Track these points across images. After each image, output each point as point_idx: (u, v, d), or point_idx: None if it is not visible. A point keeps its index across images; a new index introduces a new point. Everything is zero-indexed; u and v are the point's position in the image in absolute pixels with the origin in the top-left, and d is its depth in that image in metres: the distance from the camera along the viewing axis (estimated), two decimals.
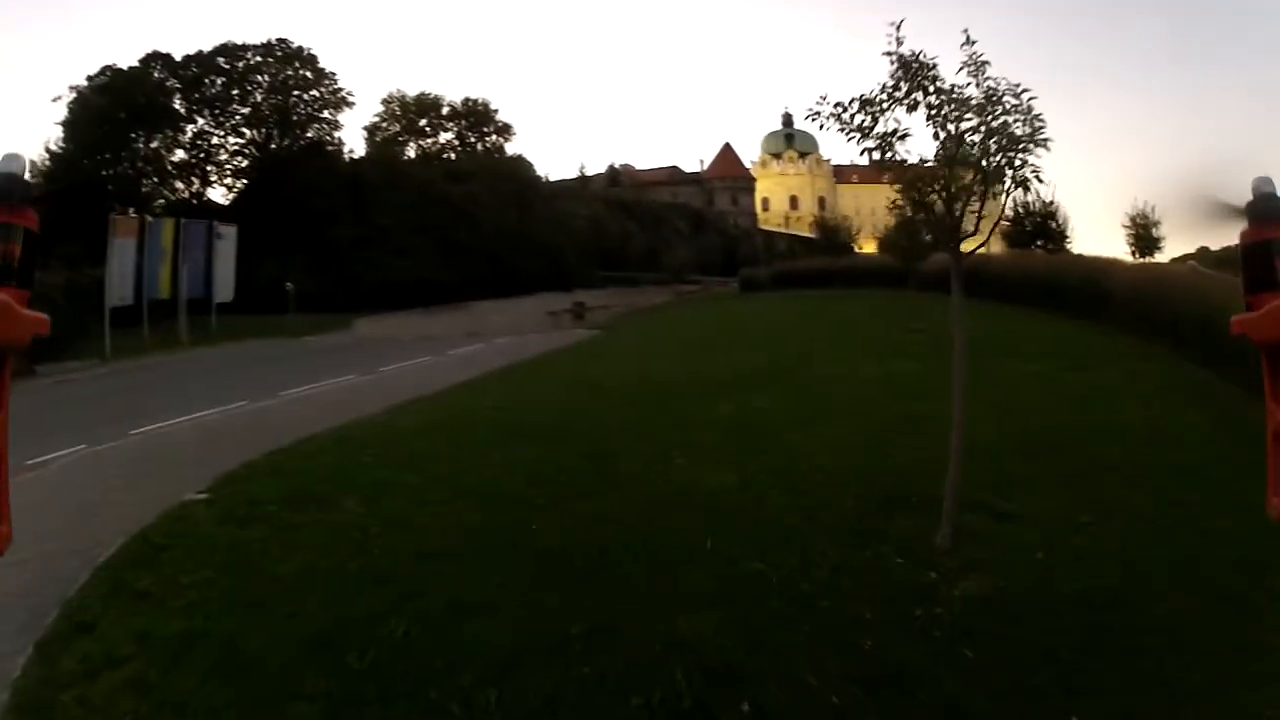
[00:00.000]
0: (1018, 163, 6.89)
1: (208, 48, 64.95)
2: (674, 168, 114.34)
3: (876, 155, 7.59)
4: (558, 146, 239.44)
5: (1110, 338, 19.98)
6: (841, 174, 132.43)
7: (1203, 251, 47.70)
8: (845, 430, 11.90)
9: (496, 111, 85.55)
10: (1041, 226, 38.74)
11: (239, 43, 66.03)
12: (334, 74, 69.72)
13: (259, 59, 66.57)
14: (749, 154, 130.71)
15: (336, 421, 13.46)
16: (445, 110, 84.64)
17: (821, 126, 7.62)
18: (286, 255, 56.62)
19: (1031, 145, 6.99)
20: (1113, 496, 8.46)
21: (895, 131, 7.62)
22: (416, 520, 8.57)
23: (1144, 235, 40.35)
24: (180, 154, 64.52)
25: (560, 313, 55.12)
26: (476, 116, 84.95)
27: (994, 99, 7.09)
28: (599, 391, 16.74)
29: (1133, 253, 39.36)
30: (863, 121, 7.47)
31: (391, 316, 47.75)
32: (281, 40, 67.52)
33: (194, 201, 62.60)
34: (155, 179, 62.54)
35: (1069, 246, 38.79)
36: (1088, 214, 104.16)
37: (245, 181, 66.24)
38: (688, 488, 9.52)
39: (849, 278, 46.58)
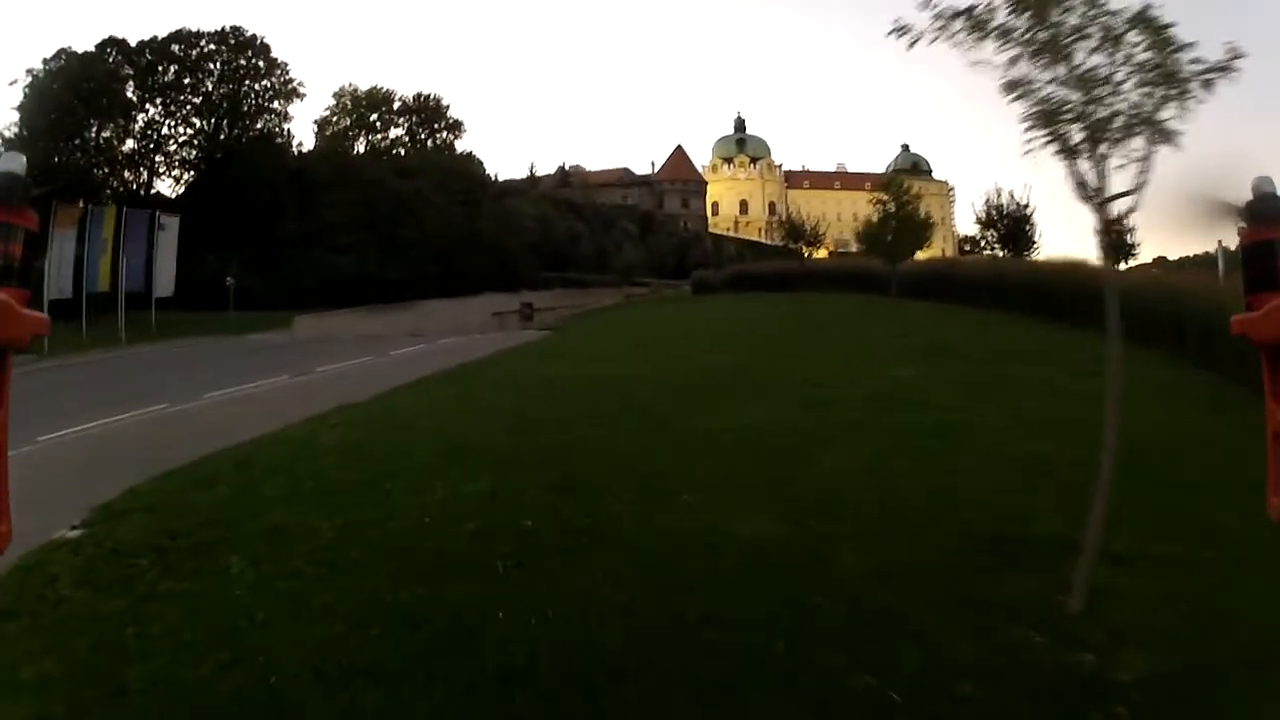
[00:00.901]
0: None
1: (164, 33, 64.12)
2: (625, 169, 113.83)
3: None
4: (508, 145, 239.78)
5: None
6: (793, 179, 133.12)
7: (1160, 261, 48.28)
8: (879, 450, 9.67)
9: (448, 108, 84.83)
10: (1016, 228, 38.46)
11: (194, 29, 65.10)
12: (286, 64, 68.82)
13: (212, 47, 65.50)
14: (700, 158, 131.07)
15: (255, 431, 11.63)
16: (397, 105, 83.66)
17: (912, 44, 5.28)
18: (230, 250, 55.31)
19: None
20: (1211, 520, 6.77)
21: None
22: (319, 600, 5.61)
23: (1118, 241, 40.43)
24: (130, 143, 63.13)
25: (507, 313, 54.21)
26: (428, 112, 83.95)
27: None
28: (559, 399, 14.39)
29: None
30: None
31: (333, 315, 46.50)
32: (236, 28, 66.67)
33: (141, 193, 60.93)
34: (106, 169, 60.81)
35: (1034, 251, 38.63)
36: (1054, 215, 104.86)
37: (193, 173, 64.77)
38: (713, 540, 6.70)
39: (811, 281, 45.84)
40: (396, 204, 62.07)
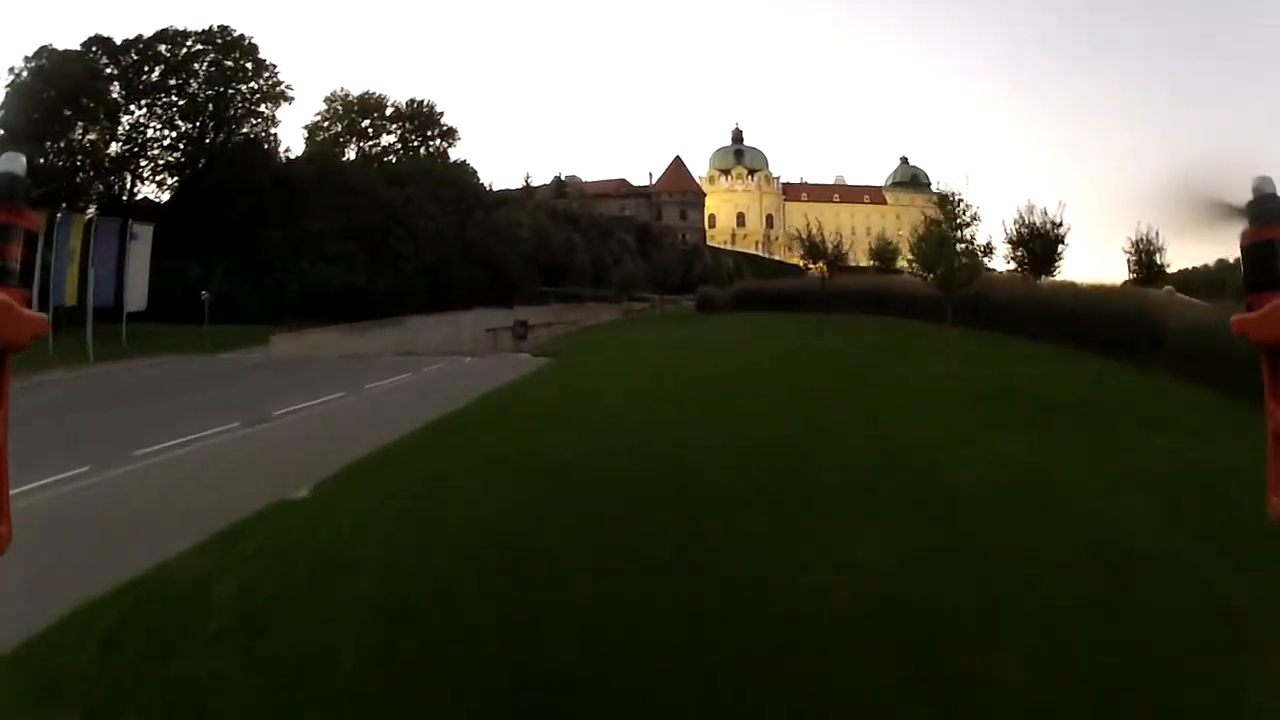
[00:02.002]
0: None
1: (150, 32, 61.46)
2: (622, 180, 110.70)
3: None
4: (503, 155, 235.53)
5: (1197, 391, 16.12)
6: (790, 191, 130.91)
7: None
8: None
9: (442, 115, 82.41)
10: (1050, 249, 35.34)
11: (181, 28, 62.48)
12: (274, 66, 65.95)
13: (200, 46, 62.74)
14: (697, 169, 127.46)
15: (149, 561, 7.17)
16: (389, 111, 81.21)
17: None
18: (212, 258, 52.66)
19: None
20: None
21: None
22: None
23: (1147, 261, 37.96)
24: (115, 147, 60.08)
25: (500, 330, 51.55)
26: (421, 119, 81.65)
27: None
28: (576, 510, 8.94)
29: (1135, 279, 36.86)
30: None
31: (313, 333, 43.40)
32: (223, 28, 64.02)
33: (125, 199, 58.32)
34: (90, 172, 57.75)
35: (1058, 270, 35.83)
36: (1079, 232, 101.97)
37: (177, 179, 61.90)
38: None
39: (831, 300, 41.40)
40: (386, 213, 59.21)
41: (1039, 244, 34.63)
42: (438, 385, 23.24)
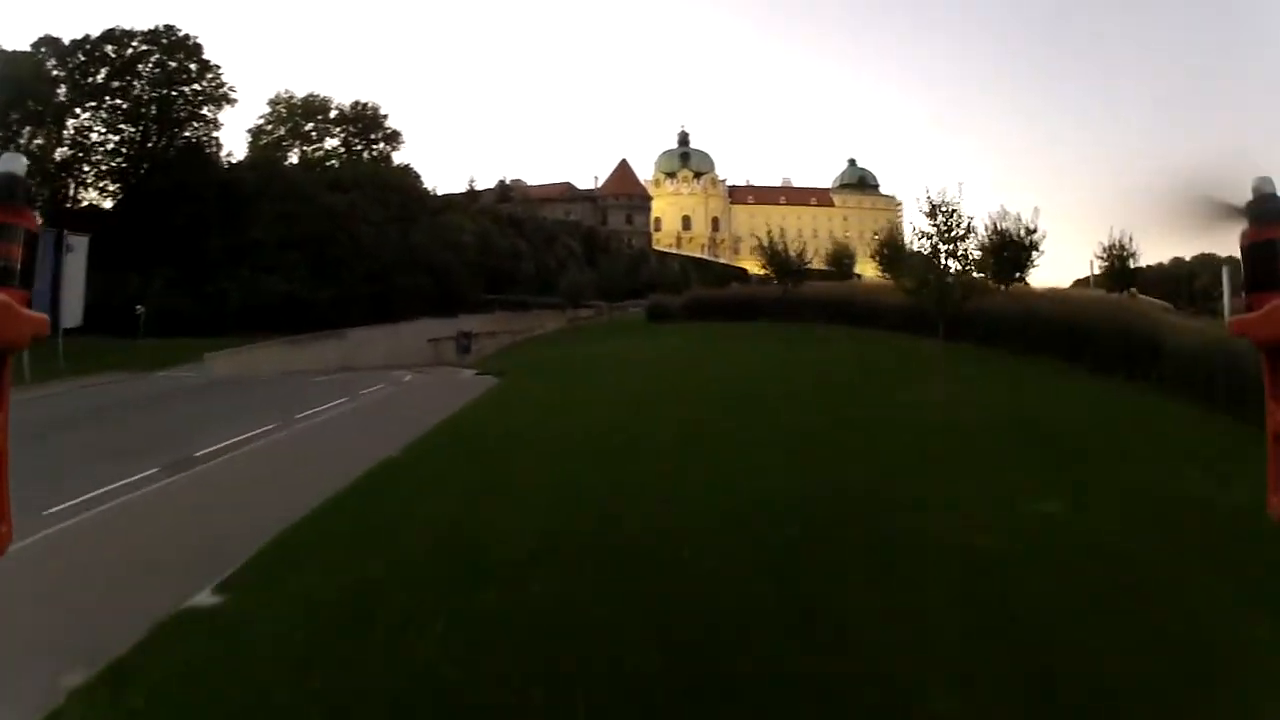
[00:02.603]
0: None
1: (97, 32, 60.38)
2: (567, 184, 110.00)
3: None
4: (447, 158, 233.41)
5: (1198, 412, 16.10)
6: (736, 194, 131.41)
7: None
8: None
9: (386, 117, 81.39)
10: (1023, 256, 34.86)
11: (127, 28, 61.32)
12: (218, 67, 64.64)
13: (145, 47, 61.48)
14: (643, 173, 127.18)
15: None
16: (333, 114, 79.94)
17: None
18: (153, 269, 51.34)
19: None
20: None
21: None
22: None
23: (1120, 266, 38.17)
24: (61, 151, 59.01)
25: (443, 341, 50.99)
26: (365, 122, 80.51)
27: None
28: (559, 615, 7.18)
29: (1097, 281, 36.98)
30: None
31: (252, 348, 42.40)
32: (169, 27, 62.64)
33: (68, 205, 57.16)
34: (37, 178, 55.62)
35: (1028, 277, 35.47)
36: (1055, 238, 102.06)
37: (119, 185, 60.57)
38: None
39: (785, 309, 39.50)
40: (327, 219, 58.18)
41: (1011, 251, 34.33)
42: (373, 418, 21.56)
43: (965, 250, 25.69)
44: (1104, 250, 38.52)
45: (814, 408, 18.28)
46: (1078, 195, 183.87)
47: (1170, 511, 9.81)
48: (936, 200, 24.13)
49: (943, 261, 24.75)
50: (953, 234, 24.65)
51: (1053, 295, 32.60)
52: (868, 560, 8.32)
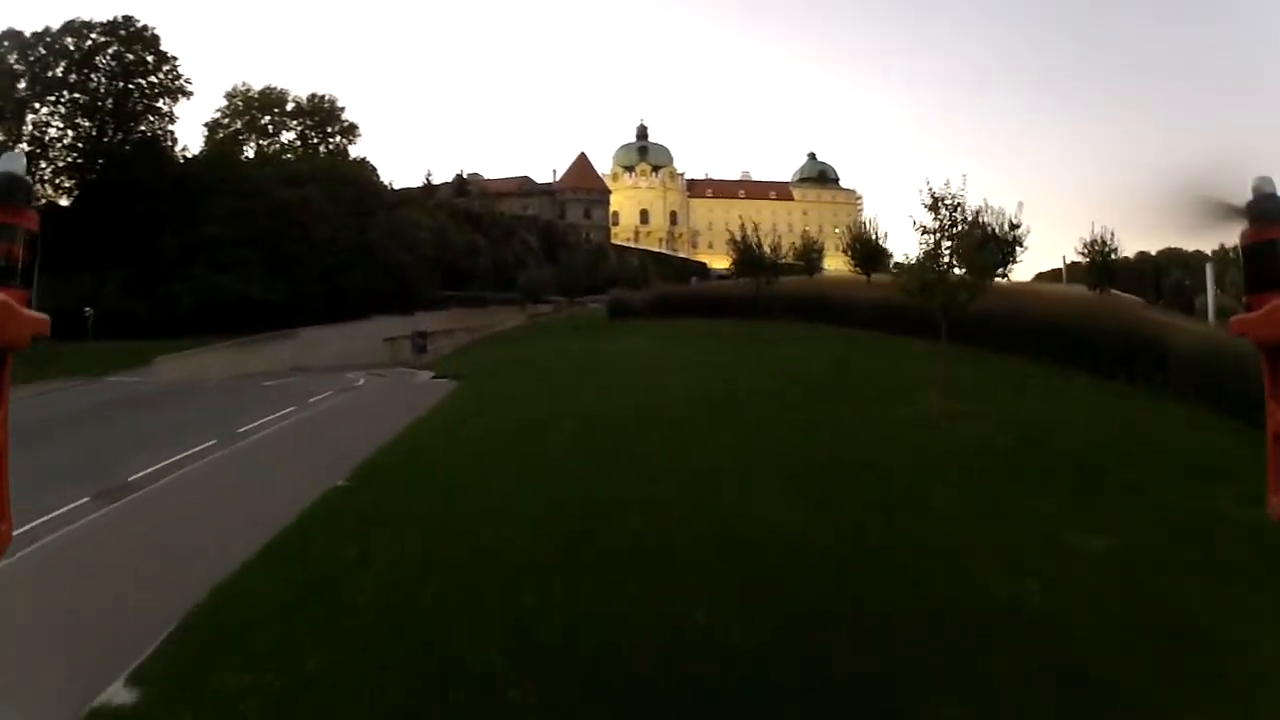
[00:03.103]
0: None
1: (57, 24, 59.54)
2: (525, 177, 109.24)
3: None
4: (405, 152, 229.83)
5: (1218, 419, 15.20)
6: (695, 188, 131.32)
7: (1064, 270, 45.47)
8: None
9: (343, 110, 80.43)
10: (1007, 250, 34.15)
11: (87, 19, 60.30)
12: (175, 58, 63.40)
13: (104, 39, 60.39)
14: (601, 166, 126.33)
15: None
16: (290, 107, 78.84)
17: None
18: (106, 269, 50.10)
19: None
20: None
21: None
22: None
23: (1102, 262, 37.92)
24: (20, 148, 56.28)
25: (399, 340, 50.27)
26: (322, 115, 79.56)
27: None
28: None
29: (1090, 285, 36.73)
30: None
31: (202, 352, 41.41)
32: (128, 18, 61.36)
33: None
34: None
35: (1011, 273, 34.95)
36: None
37: (74, 182, 59.44)
38: None
39: (754, 306, 37.13)
40: (281, 215, 57.13)
41: (994, 246, 33.79)
42: (321, 434, 19.97)
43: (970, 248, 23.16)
44: (1085, 245, 38.23)
45: (811, 425, 16.80)
46: (1048, 190, 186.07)
47: (1216, 539, 9.36)
48: (940, 192, 20.85)
49: (946, 259, 22.19)
50: (958, 230, 22.31)
51: (1045, 294, 32.08)
52: (913, 622, 7.37)
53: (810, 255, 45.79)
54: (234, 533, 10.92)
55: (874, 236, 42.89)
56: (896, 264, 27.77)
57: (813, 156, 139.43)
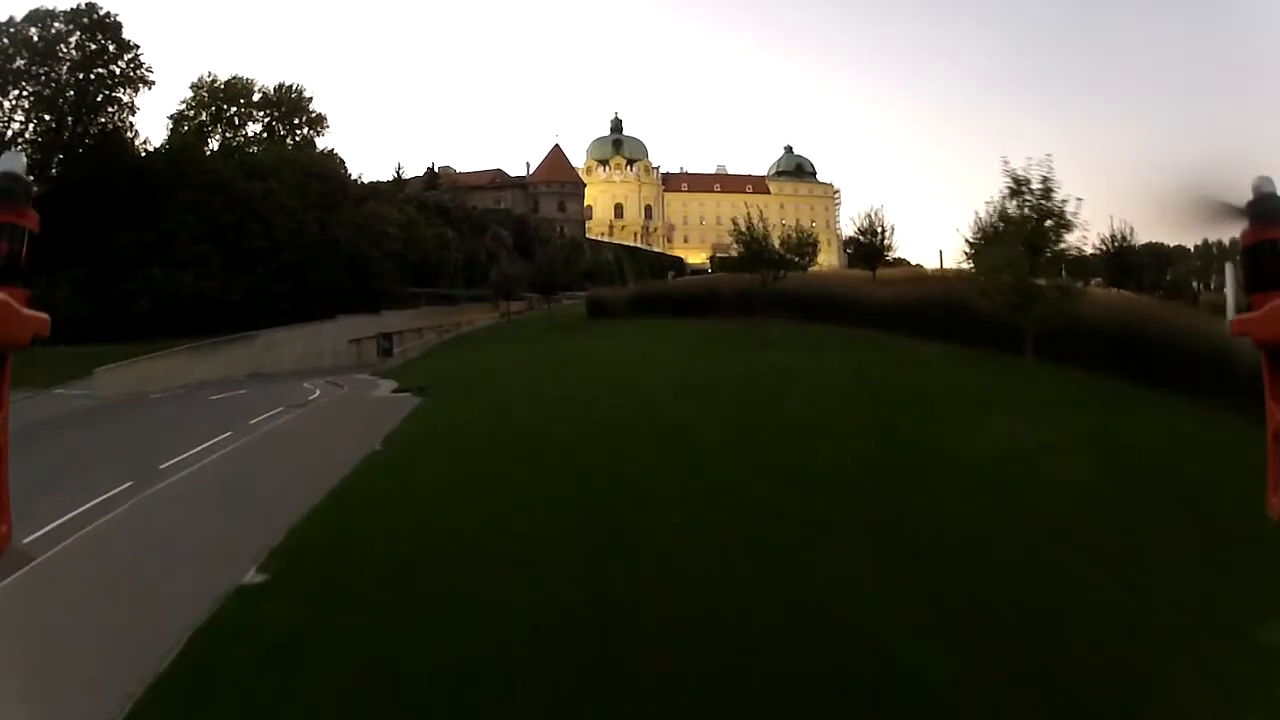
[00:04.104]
0: None
1: (20, 14, 57.31)
2: (497, 170, 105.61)
3: None
4: (375, 146, 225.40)
5: None
6: (670, 181, 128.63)
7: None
8: None
9: (310, 100, 77.16)
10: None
11: (50, 8, 57.82)
12: (137, 46, 60.55)
13: (67, 27, 57.98)
14: (575, 160, 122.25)
15: None
16: (257, 97, 75.31)
17: None
18: (60, 269, 46.86)
19: None
20: None
21: None
22: None
23: (1119, 257, 35.85)
24: None
25: (365, 341, 47.60)
26: (289, 105, 76.29)
27: None
28: None
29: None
30: None
31: (150, 359, 38.29)
32: (90, 5, 58.68)
33: None
34: None
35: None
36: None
37: (33, 178, 54.91)
38: None
39: (746, 304, 33.63)
40: (242, 209, 54.09)
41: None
42: (245, 481, 15.50)
43: (1065, 242, 19.04)
44: (1103, 241, 36.11)
45: (872, 470, 12.53)
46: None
47: None
48: (1024, 174, 17.51)
49: (1040, 254, 18.11)
50: (1048, 223, 17.87)
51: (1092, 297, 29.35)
52: None
53: (803, 249, 40.55)
54: (97, 679, 7.00)
55: (880, 229, 40.40)
56: (970, 257, 22.83)
57: (789, 150, 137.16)
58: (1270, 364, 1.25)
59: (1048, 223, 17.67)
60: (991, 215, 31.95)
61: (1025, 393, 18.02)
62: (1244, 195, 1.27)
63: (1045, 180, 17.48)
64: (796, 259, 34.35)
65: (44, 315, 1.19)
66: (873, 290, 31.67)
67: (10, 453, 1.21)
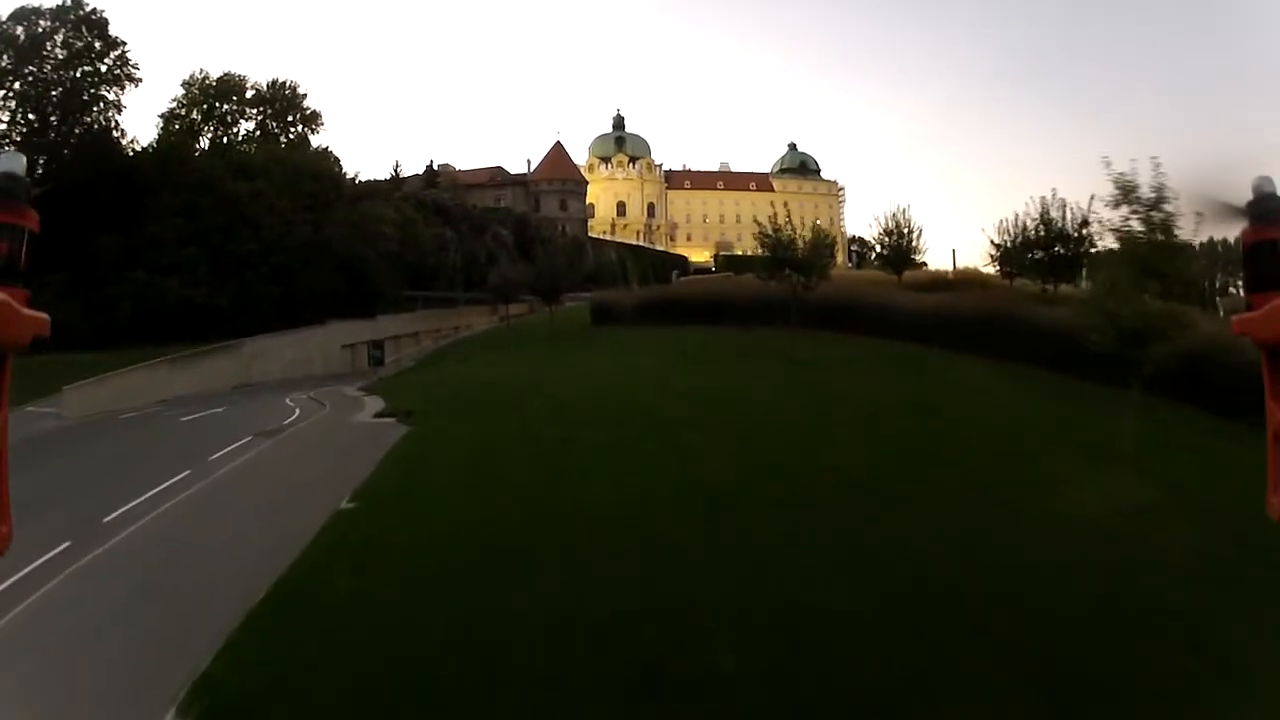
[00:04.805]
0: None
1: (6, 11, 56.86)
2: (498, 168, 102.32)
3: None
4: (375, 144, 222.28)
5: None
6: (673, 179, 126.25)
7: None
8: None
9: (305, 97, 74.79)
10: (1074, 251, 29.00)
11: (35, 5, 56.66)
12: (125, 43, 58.83)
13: (53, 24, 56.80)
14: (576, 158, 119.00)
15: None
16: (250, 94, 72.75)
17: None
18: (44, 275, 44.36)
19: None
20: None
21: None
22: None
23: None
24: None
25: (359, 346, 45.27)
26: (283, 102, 73.95)
27: None
28: None
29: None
30: None
31: (122, 375, 35.57)
32: (77, 1, 57.38)
33: None
34: None
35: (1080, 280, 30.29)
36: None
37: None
38: None
39: (769, 311, 29.36)
40: (230, 210, 51.54)
41: (1066, 247, 28.77)
42: (189, 551, 12.40)
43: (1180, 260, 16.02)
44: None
45: (972, 547, 10.09)
46: (1045, 189, 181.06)
47: None
48: (1133, 179, 14.36)
49: (1159, 278, 15.00)
50: (1170, 241, 14.66)
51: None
52: None
53: (821, 251, 33.42)
54: None
55: (909, 231, 37.68)
56: (1091, 278, 19.51)
57: (793, 147, 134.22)
58: (1270, 364, 1.21)
59: (1159, 237, 14.32)
60: (1033, 219, 28.89)
61: (1082, 424, 15.76)
62: (1244, 195, 1.23)
63: (1159, 188, 14.16)
64: (821, 263, 29.49)
65: (44, 315, 1.16)
66: (901, 298, 28.93)
67: None
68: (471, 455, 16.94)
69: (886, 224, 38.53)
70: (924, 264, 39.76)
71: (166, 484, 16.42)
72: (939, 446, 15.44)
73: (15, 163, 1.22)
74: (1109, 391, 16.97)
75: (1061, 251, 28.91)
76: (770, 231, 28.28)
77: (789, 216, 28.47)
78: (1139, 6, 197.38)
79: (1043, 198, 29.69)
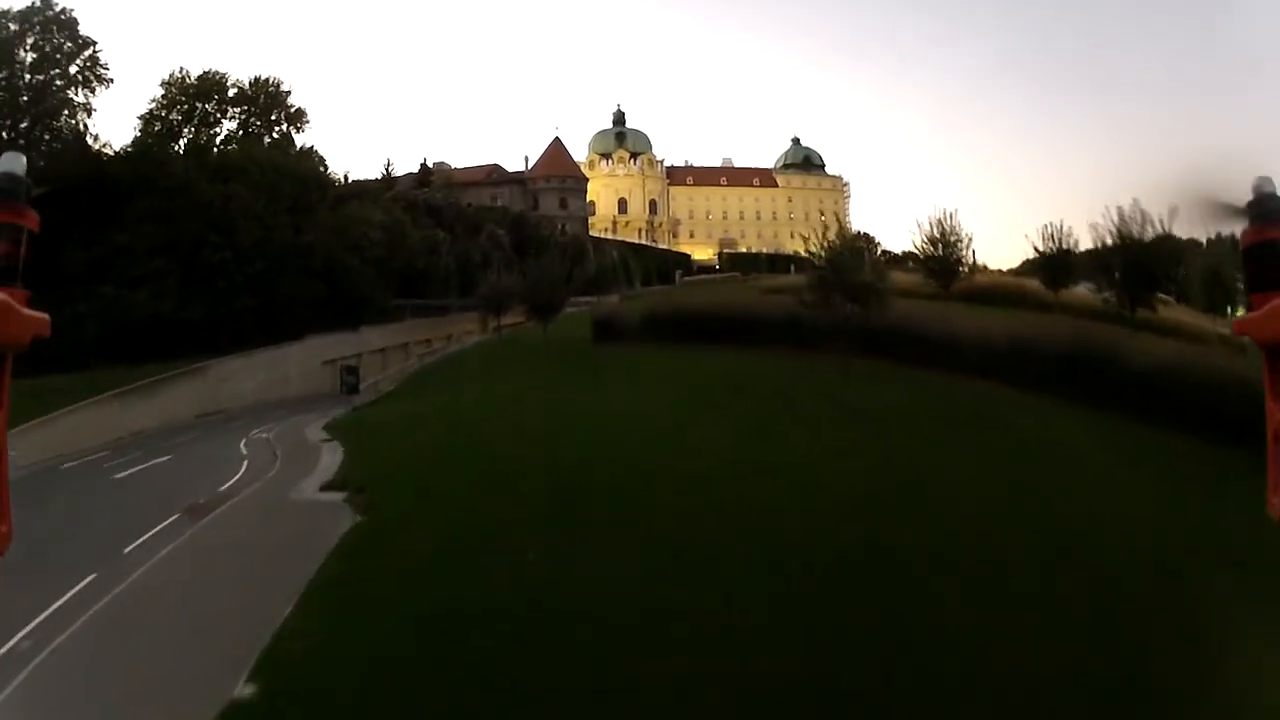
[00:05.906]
0: None
1: None
2: (494, 165, 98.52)
3: None
4: (370, 144, 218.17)
5: None
6: (675, 175, 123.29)
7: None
8: None
9: (289, 94, 70.62)
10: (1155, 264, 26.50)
11: (3, 8, 54.14)
12: (95, 43, 56.14)
13: (20, 27, 54.44)
14: (576, 154, 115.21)
15: None
16: (231, 92, 68.55)
17: None
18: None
19: None
20: None
21: None
22: None
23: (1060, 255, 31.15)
24: None
25: (339, 363, 41.65)
26: (266, 100, 69.80)
27: None
28: None
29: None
30: None
31: (71, 411, 31.92)
32: (45, 2, 55.08)
33: None
34: None
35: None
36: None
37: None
38: None
39: (800, 332, 24.76)
40: (204, 217, 47.79)
41: (1147, 260, 25.49)
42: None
43: None
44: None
45: None
46: (1045, 189, 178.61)
47: None
48: None
49: None
50: None
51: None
52: None
53: (882, 272, 27.87)
54: None
55: (955, 239, 33.86)
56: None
57: (797, 141, 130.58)
58: (1270, 364, 1.20)
59: None
60: (1105, 228, 24.97)
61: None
62: (1244, 195, 1.23)
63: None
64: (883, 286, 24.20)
65: (44, 316, 1.15)
66: (958, 318, 24.69)
67: None
68: (431, 589, 11.42)
69: (931, 231, 34.51)
70: (967, 271, 35.55)
71: (33, 623, 11.27)
72: (1083, 588, 10.82)
73: (15, 163, 1.19)
74: (1220, 454, 13.51)
75: (1147, 267, 25.53)
76: (821, 247, 23.73)
77: (847, 226, 24.13)
78: (1138, 6, 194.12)
79: (1119, 207, 26.32)
